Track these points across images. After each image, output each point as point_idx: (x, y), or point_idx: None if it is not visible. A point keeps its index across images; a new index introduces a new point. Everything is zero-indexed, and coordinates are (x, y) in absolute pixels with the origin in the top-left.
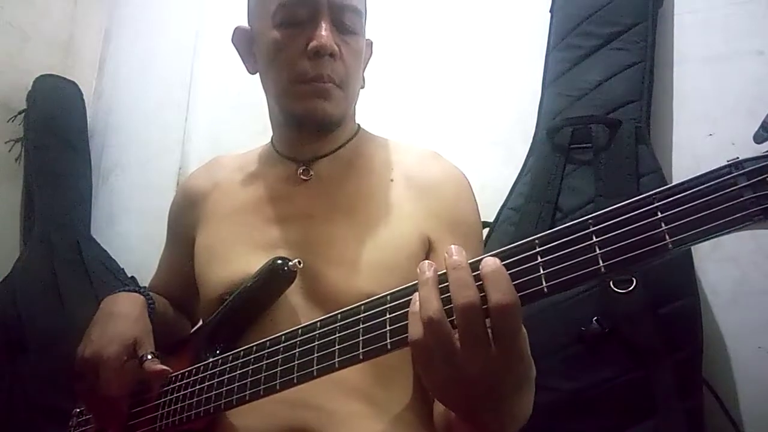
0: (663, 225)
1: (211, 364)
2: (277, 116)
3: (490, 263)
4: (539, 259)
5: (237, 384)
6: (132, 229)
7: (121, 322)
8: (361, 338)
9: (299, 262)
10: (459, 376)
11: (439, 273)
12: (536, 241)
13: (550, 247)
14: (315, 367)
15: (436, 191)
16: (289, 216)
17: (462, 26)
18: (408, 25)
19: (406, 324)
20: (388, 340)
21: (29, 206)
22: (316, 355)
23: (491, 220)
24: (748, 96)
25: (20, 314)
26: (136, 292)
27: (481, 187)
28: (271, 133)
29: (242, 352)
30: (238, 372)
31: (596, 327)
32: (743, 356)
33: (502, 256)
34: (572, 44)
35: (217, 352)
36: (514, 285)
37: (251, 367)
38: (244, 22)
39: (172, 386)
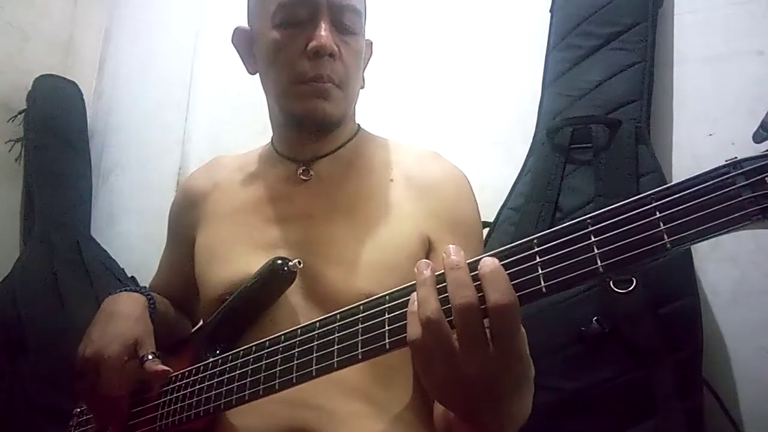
0: (661, 225)
1: (210, 364)
2: (277, 116)
3: (489, 263)
4: (537, 259)
5: (236, 384)
6: (132, 229)
7: (122, 321)
8: (360, 338)
9: (299, 263)
10: (457, 376)
11: (437, 273)
12: (535, 241)
13: (548, 247)
14: (314, 367)
15: (436, 191)
16: (289, 216)
17: (462, 26)
18: (408, 25)
19: (405, 324)
20: (387, 340)
21: (29, 206)
22: (315, 355)
23: (491, 220)
24: (748, 96)
25: (20, 314)
26: (137, 292)
27: (481, 187)
28: (271, 133)
29: (242, 352)
30: (238, 372)
31: (596, 327)
32: (743, 356)
33: (500, 256)
34: (572, 44)
35: (217, 352)
36: (513, 285)
37: (251, 367)
38: (244, 23)
39: (172, 386)
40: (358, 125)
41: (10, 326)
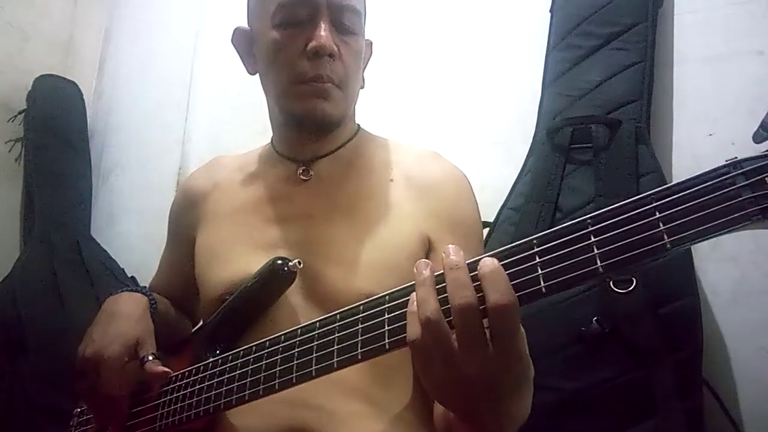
0: (661, 225)
1: (210, 364)
2: (277, 116)
3: (488, 263)
4: (537, 259)
5: (236, 384)
6: (132, 229)
7: (123, 322)
8: (359, 338)
9: (299, 263)
10: (457, 376)
11: (437, 273)
12: (534, 241)
13: (548, 247)
14: (314, 367)
15: (436, 191)
16: (289, 216)
17: (462, 26)
18: (408, 25)
19: (405, 324)
20: (387, 340)
21: (29, 206)
22: (315, 355)
23: (491, 220)
24: (748, 96)
25: (20, 314)
26: (138, 292)
27: (481, 187)
28: (271, 133)
29: (242, 353)
30: (238, 372)
31: (596, 327)
32: (743, 356)
33: (500, 256)
34: (572, 44)
35: (217, 352)
36: (513, 285)
37: (250, 367)
38: (244, 23)
39: (172, 386)
40: (358, 125)
41: (10, 326)
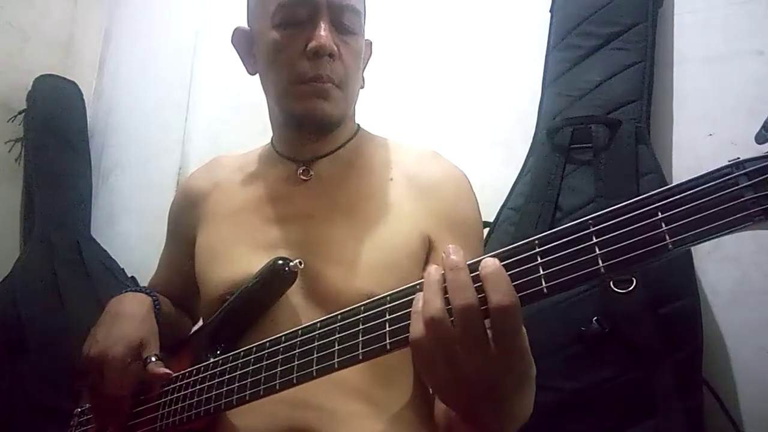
0: (663, 225)
1: (211, 364)
2: (277, 117)
3: (490, 264)
4: (539, 260)
5: (237, 384)
6: (132, 229)
7: (127, 323)
8: (360, 339)
9: (300, 263)
10: (459, 376)
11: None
12: (536, 242)
13: (549, 248)
14: (315, 368)
15: (437, 190)
16: (289, 216)
17: (462, 26)
18: (408, 25)
19: (406, 324)
20: (388, 341)
21: (29, 206)
22: (315, 355)
23: (491, 220)
24: (748, 96)
25: (20, 314)
26: (142, 292)
27: (481, 187)
28: (271, 133)
29: (242, 353)
30: (239, 372)
31: (596, 327)
32: (743, 356)
33: (501, 257)
34: (572, 44)
35: (218, 352)
36: (514, 285)
37: (251, 368)
38: (243, 23)
39: (172, 386)
40: (358, 125)
41: (10, 326)
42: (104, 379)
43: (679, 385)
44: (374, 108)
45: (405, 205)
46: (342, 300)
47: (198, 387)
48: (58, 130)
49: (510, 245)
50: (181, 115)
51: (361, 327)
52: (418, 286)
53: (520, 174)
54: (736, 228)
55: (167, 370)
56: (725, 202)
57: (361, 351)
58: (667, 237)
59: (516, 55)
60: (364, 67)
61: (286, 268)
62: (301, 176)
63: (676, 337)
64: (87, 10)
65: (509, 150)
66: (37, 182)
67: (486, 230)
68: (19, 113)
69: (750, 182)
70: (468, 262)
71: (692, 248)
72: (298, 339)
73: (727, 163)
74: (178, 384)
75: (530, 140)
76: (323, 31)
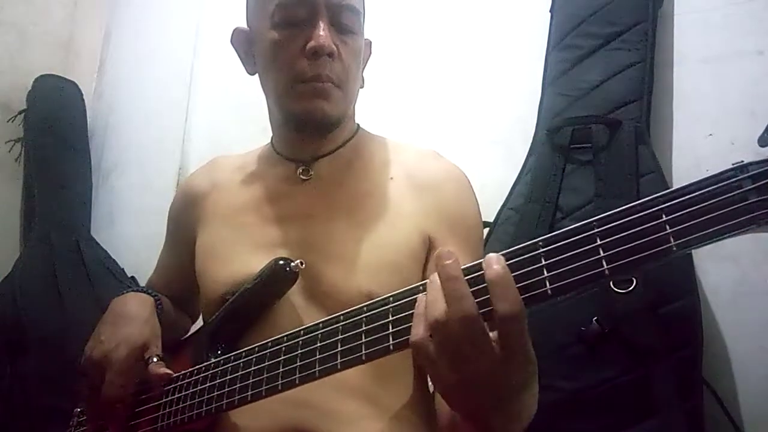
0: (667, 228)
1: (212, 364)
2: (277, 117)
3: (496, 268)
4: (543, 261)
5: (239, 384)
6: (132, 229)
7: (130, 324)
8: (363, 340)
9: (301, 263)
10: (462, 379)
11: None
12: (540, 243)
13: (554, 249)
14: (317, 368)
15: (437, 190)
16: (289, 216)
17: (462, 26)
18: (408, 25)
19: (409, 325)
20: (391, 342)
21: (29, 206)
22: (318, 356)
23: (491, 220)
24: (748, 96)
25: (20, 314)
26: (144, 292)
27: (481, 187)
28: (271, 134)
29: (244, 353)
30: (240, 372)
31: (596, 327)
32: (743, 356)
33: (505, 257)
34: (572, 44)
35: (219, 352)
36: (518, 287)
37: (253, 368)
38: (243, 23)
39: (174, 386)
40: (358, 125)
41: (10, 326)
42: (106, 380)
43: (679, 385)
44: (374, 108)
45: (405, 204)
46: (342, 299)
47: (199, 387)
48: (58, 130)
49: (511, 246)
50: (181, 115)
51: (364, 328)
52: (421, 288)
53: (520, 174)
54: (740, 231)
55: (168, 371)
56: (729, 205)
57: (364, 352)
58: (672, 239)
59: (516, 55)
60: (364, 67)
61: (287, 269)
62: (301, 176)
63: (676, 337)
64: (87, 10)
65: (509, 150)
66: (37, 182)
67: (486, 230)
68: (19, 113)
69: (754, 185)
70: (471, 264)
71: None
72: (300, 339)
73: (731, 167)
74: (180, 384)
75: (530, 140)
76: (322, 31)
